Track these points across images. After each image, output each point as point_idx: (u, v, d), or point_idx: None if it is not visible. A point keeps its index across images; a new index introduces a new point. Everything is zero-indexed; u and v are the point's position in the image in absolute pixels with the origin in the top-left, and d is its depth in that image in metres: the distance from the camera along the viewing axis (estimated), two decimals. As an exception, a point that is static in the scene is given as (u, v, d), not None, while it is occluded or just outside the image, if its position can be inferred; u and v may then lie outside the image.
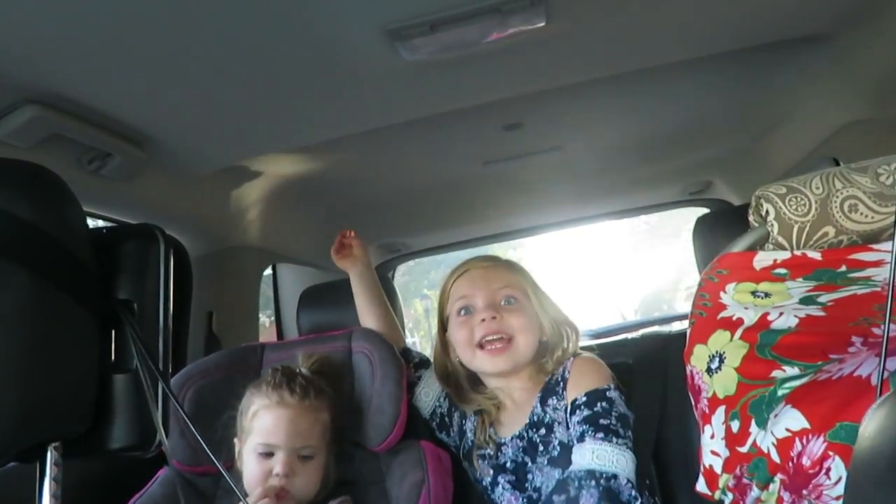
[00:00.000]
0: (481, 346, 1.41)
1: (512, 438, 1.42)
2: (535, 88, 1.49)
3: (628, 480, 1.21)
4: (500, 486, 1.40)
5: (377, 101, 1.43)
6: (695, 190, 2.57)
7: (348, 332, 1.56)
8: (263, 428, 1.29)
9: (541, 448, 1.37)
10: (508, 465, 1.40)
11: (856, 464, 0.44)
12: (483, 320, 1.39)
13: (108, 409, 0.65)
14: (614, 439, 1.25)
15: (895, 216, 0.85)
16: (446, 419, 1.52)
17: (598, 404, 1.30)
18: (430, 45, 1.16)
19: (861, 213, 0.96)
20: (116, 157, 1.31)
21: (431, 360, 1.58)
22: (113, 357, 0.67)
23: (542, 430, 1.38)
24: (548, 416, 1.38)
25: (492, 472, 1.42)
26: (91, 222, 1.51)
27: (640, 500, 1.21)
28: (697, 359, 1.03)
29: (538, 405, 1.41)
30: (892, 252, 0.68)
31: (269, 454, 1.27)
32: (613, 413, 1.29)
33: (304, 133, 1.55)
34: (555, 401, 1.39)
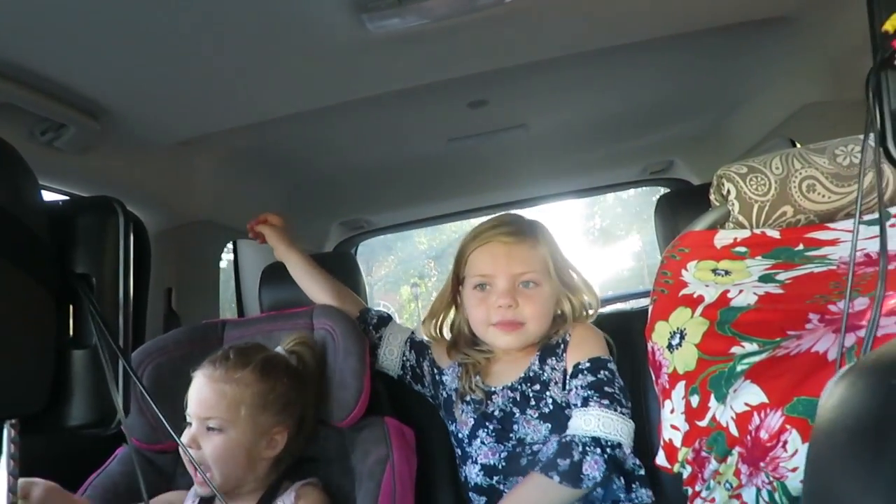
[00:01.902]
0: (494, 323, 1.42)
1: (503, 388, 1.43)
2: (500, 65, 1.48)
3: (631, 450, 1.26)
4: (480, 438, 1.39)
5: (340, 75, 1.40)
6: (656, 169, 2.60)
7: (310, 309, 1.54)
8: (190, 397, 1.28)
9: (532, 402, 1.39)
10: (496, 413, 1.40)
11: (816, 436, 0.45)
12: (500, 307, 1.39)
13: (66, 385, 0.63)
14: (618, 408, 1.28)
15: (856, 195, 0.88)
16: (417, 370, 1.55)
17: (602, 372, 1.34)
18: (396, 18, 1.15)
19: (818, 193, 0.98)
20: (70, 129, 1.27)
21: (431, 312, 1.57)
22: (71, 332, 0.64)
23: (537, 386, 1.40)
24: (545, 374, 1.41)
25: (472, 421, 1.41)
26: (45, 196, 1.48)
27: (642, 470, 1.26)
28: (659, 335, 1.04)
29: (536, 362, 1.43)
30: (854, 230, 0.70)
31: (190, 424, 1.26)
32: (616, 383, 1.33)
33: (264, 106, 1.51)
34: (553, 361, 1.41)
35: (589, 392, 1.31)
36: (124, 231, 0.69)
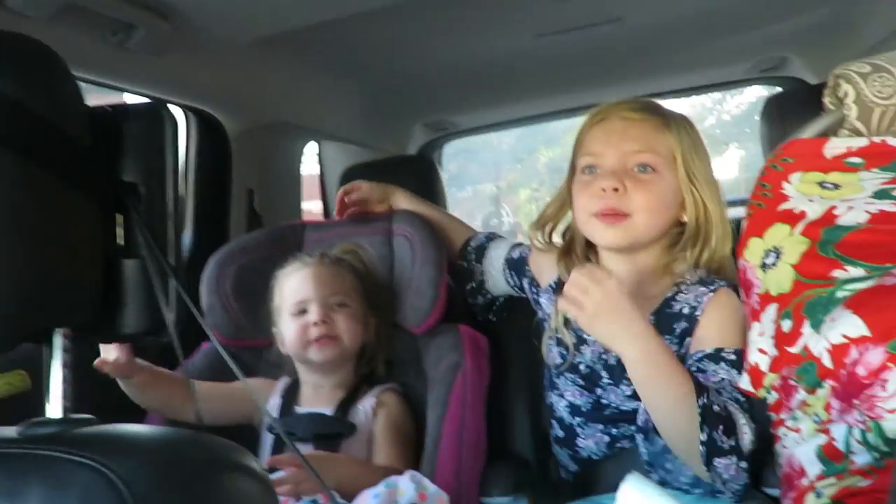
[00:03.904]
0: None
1: (594, 342, 1.21)
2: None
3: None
4: (566, 378, 1.25)
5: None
6: (767, 67, 2.37)
7: (390, 214, 1.52)
8: (292, 290, 1.34)
9: (627, 377, 1.11)
10: (582, 368, 1.23)
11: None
12: (603, 189, 1.13)
13: (118, 294, 0.63)
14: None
15: None
16: (523, 292, 1.41)
17: (717, 370, 1.06)
18: None
19: (955, 96, 0.85)
20: (140, 30, 1.25)
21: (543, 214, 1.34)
22: (122, 242, 0.64)
23: None
24: None
25: (559, 361, 1.26)
26: (130, 98, 1.50)
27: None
28: (751, 253, 0.96)
29: None
30: None
31: (302, 311, 1.31)
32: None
33: (340, 2, 1.44)
34: (667, 340, 1.10)
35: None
36: (173, 138, 0.67)
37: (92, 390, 0.72)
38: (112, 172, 0.63)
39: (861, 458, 0.81)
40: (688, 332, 1.13)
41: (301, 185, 2.16)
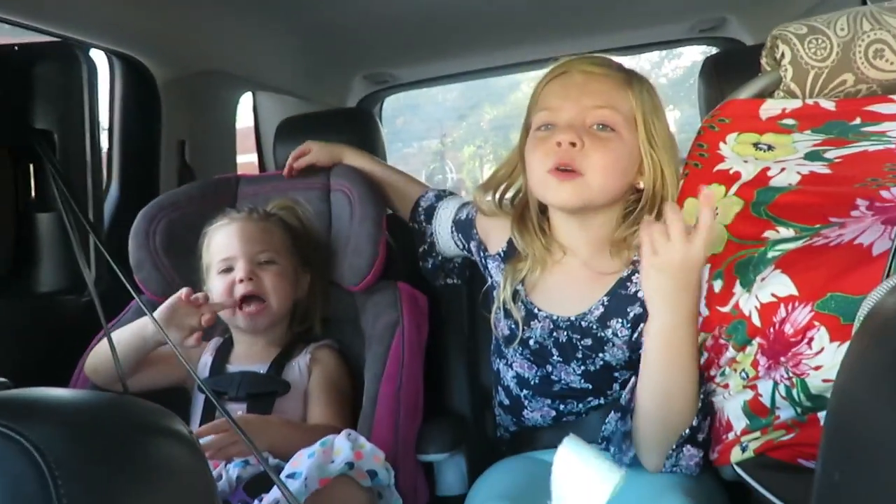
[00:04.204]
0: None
1: (546, 318, 1.17)
2: None
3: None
4: (514, 350, 1.21)
5: None
6: (706, 27, 2.39)
7: (328, 168, 1.48)
8: (219, 247, 1.31)
9: (579, 356, 1.15)
10: (532, 344, 1.19)
11: (856, 348, 0.39)
12: (559, 144, 1.06)
13: (31, 250, 0.59)
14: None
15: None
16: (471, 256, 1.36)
17: None
18: None
19: (886, 60, 0.86)
20: (56, -38, 1.15)
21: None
22: (33, 194, 0.59)
23: (588, 341, 1.14)
24: (604, 333, 1.13)
25: (507, 332, 1.21)
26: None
27: None
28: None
29: (601, 308, 1.13)
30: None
31: (229, 269, 1.29)
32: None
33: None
34: (619, 324, 1.12)
35: None
36: (90, 83, 0.62)
37: (7, 352, 0.68)
38: (22, 118, 0.58)
39: (785, 412, 0.84)
40: (641, 318, 1.08)
41: (235, 138, 2.09)
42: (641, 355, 1.00)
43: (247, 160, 2.38)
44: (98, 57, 1.60)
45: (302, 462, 1.01)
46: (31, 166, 0.59)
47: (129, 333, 1.21)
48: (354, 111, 2.40)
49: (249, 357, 1.33)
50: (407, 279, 1.43)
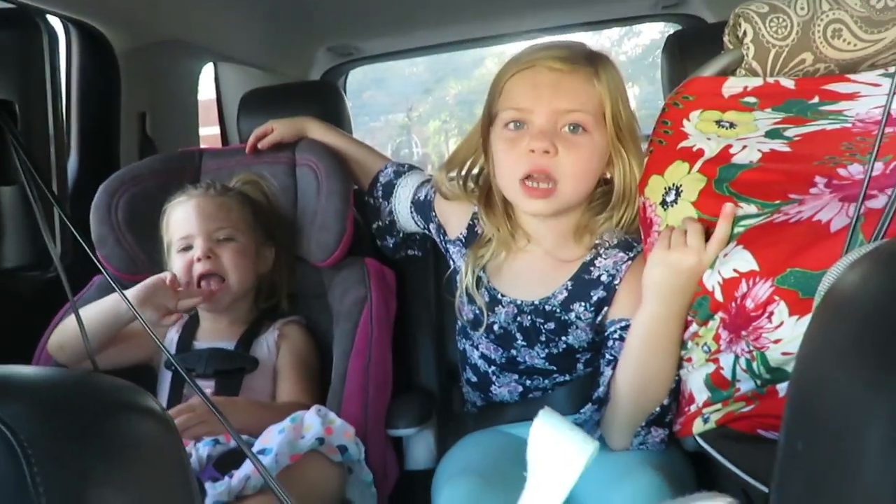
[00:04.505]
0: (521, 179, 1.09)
1: (510, 304, 1.17)
2: None
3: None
4: (480, 333, 1.21)
5: None
6: (669, 3, 2.41)
7: (293, 142, 1.46)
8: (177, 224, 1.29)
9: (542, 339, 1.16)
10: (496, 329, 1.19)
11: (818, 322, 0.41)
12: (532, 151, 1.05)
13: (-6, 226, 0.58)
14: None
15: (886, 42, 0.79)
16: (426, 230, 1.36)
17: None
18: None
19: (844, 40, 0.89)
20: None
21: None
22: (-5, 168, 0.58)
23: (552, 325, 1.14)
24: (567, 317, 1.14)
25: (472, 317, 1.22)
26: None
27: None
28: (652, 190, 0.98)
29: (564, 292, 1.14)
30: (893, 76, 0.61)
31: (188, 247, 1.27)
32: None
33: None
34: (582, 307, 1.12)
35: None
36: (51, 50, 0.61)
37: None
38: (-19, 90, 0.57)
39: (745, 385, 0.87)
40: (605, 301, 1.11)
41: (197, 110, 2.04)
42: (626, 339, 1.03)
43: (210, 132, 2.34)
44: (54, 24, 1.54)
45: (272, 438, 1.01)
46: (-8, 139, 0.57)
47: (99, 310, 1.19)
48: (319, 83, 2.37)
49: (216, 334, 1.32)
50: (375, 254, 1.43)
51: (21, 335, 1.25)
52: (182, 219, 1.29)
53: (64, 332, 1.22)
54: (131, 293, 1.16)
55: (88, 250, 0.58)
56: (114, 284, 0.65)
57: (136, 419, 0.50)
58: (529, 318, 1.16)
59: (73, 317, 1.15)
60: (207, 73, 2.18)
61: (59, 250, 0.62)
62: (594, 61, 1.10)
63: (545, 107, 1.06)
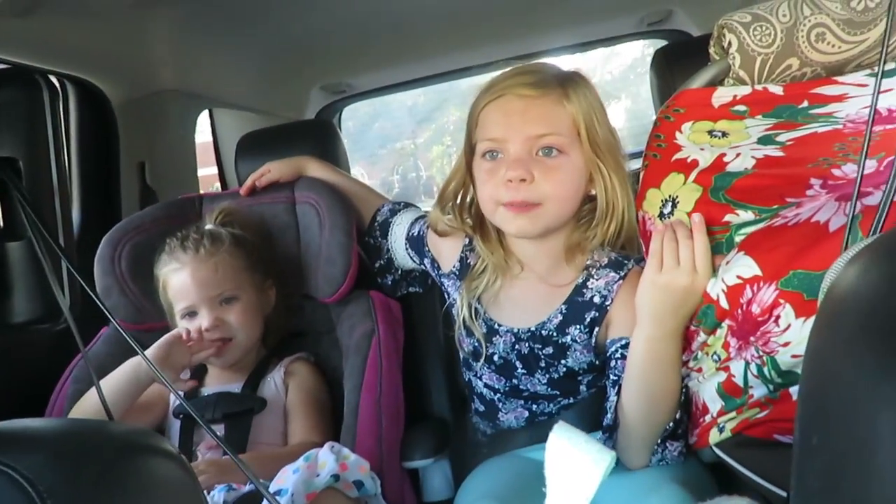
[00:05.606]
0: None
1: (507, 332, 1.18)
2: None
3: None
4: (481, 364, 1.22)
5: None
6: (654, 20, 2.44)
7: (292, 181, 1.48)
8: (177, 293, 1.28)
9: (542, 365, 1.17)
10: (496, 359, 1.20)
11: (822, 321, 0.41)
12: (509, 181, 1.06)
13: (3, 280, 0.59)
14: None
15: (869, 43, 0.80)
16: (422, 266, 1.36)
17: None
18: None
19: (828, 43, 0.90)
20: (2, -11, 1.13)
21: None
22: (1, 223, 0.59)
23: (549, 349, 1.16)
24: (564, 340, 1.15)
25: (472, 349, 1.23)
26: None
27: None
28: (650, 204, 0.99)
29: (559, 316, 1.14)
30: (877, 76, 0.62)
31: (192, 313, 1.27)
32: None
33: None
34: (577, 329, 1.13)
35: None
36: (52, 106, 0.62)
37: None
38: (-15, 148, 0.58)
39: (758, 391, 0.86)
40: (597, 321, 1.12)
41: (195, 156, 2.06)
42: (627, 361, 1.03)
43: (207, 172, 2.36)
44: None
45: (287, 478, 1.00)
46: (-2, 196, 0.58)
47: (119, 376, 1.18)
48: (314, 122, 2.39)
49: (223, 378, 1.32)
50: (379, 287, 1.43)
51: (33, 388, 1.25)
52: (180, 289, 1.27)
53: (86, 403, 1.19)
54: (150, 353, 1.17)
55: (100, 304, 0.59)
56: (134, 344, 0.65)
57: (153, 462, 0.50)
58: (527, 345, 1.17)
59: (93, 389, 1.16)
60: (203, 118, 2.21)
61: (68, 302, 0.62)
62: (564, 82, 1.09)
63: (517, 134, 1.07)
